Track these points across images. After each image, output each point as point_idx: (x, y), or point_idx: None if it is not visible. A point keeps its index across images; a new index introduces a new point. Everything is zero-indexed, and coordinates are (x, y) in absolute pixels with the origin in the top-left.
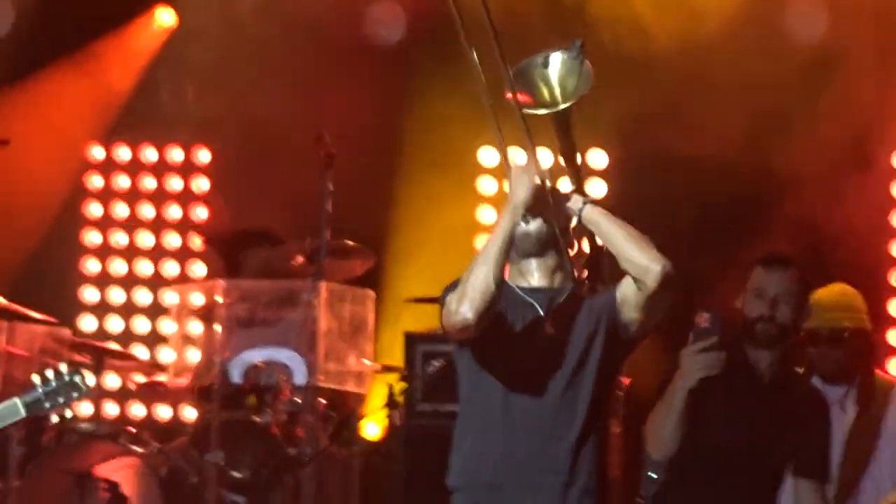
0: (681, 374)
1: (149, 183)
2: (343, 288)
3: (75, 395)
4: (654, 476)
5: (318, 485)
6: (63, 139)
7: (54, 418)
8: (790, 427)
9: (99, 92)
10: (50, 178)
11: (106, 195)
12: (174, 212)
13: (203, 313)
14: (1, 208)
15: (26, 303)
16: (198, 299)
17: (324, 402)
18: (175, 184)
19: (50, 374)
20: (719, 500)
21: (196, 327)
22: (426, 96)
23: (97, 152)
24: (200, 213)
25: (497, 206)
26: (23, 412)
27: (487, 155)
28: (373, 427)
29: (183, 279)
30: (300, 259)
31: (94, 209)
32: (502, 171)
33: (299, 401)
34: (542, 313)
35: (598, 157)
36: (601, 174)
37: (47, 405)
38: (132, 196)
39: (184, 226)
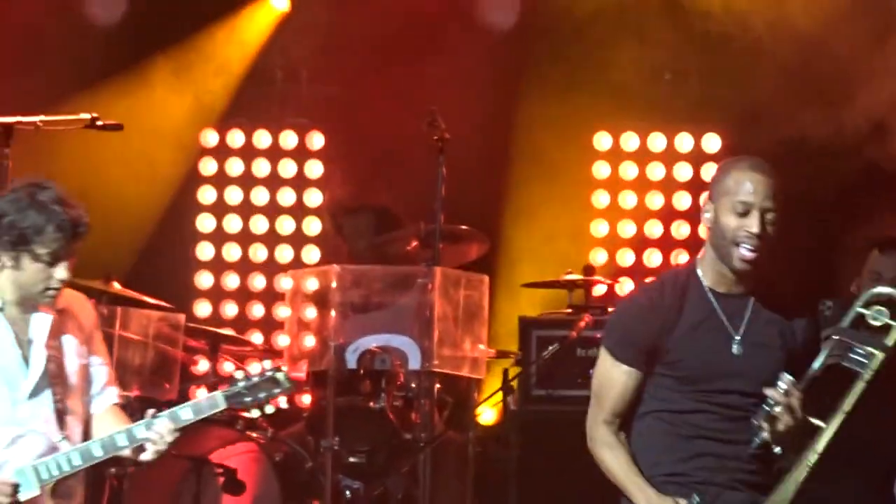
0: None
1: (263, 168)
2: (457, 273)
3: (276, 391)
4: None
5: (434, 470)
6: (177, 125)
7: (254, 413)
8: None
9: (213, 78)
10: (164, 164)
11: (220, 180)
12: (288, 196)
13: (317, 298)
14: (116, 194)
15: (141, 288)
16: (312, 284)
17: (439, 387)
18: (289, 168)
19: (252, 369)
20: (838, 496)
21: (310, 312)
22: (540, 81)
23: (211, 138)
24: (315, 197)
25: (611, 190)
26: (223, 405)
27: (603, 139)
28: (488, 412)
29: (297, 264)
30: (415, 244)
31: (209, 195)
32: (617, 155)
33: (414, 386)
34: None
35: (712, 141)
36: (713, 157)
37: (247, 399)
38: (246, 181)
39: (298, 210)
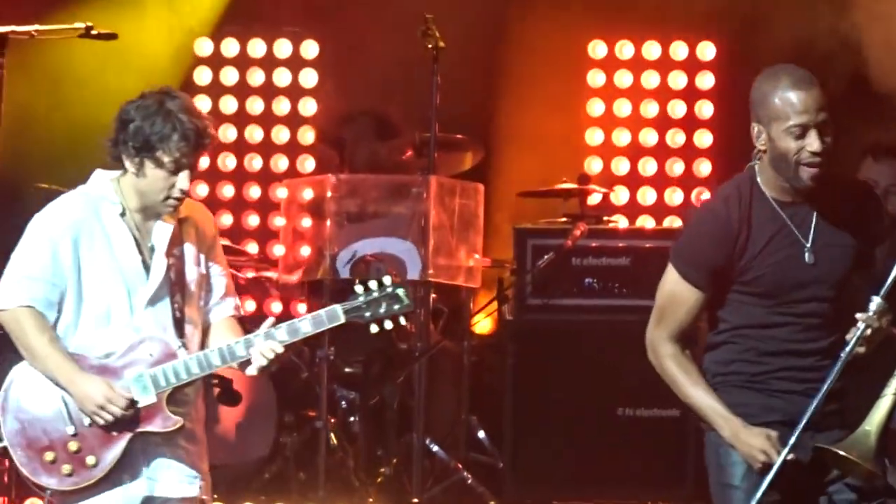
0: None
1: (258, 77)
2: (453, 182)
3: (396, 307)
4: None
5: (429, 379)
6: (172, 34)
7: (373, 328)
8: None
9: None
10: (159, 72)
11: (215, 89)
12: (283, 106)
13: (313, 208)
14: (111, 103)
15: None
16: (307, 194)
17: (434, 296)
18: (284, 77)
19: (373, 284)
20: None
21: (306, 222)
22: None
23: (206, 46)
24: (310, 106)
25: (606, 99)
26: (342, 319)
27: (598, 48)
28: (483, 321)
29: (293, 174)
30: (409, 152)
31: (203, 104)
32: (612, 63)
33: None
34: None
35: (707, 49)
36: (708, 66)
37: (367, 315)
38: (241, 90)
39: (293, 120)
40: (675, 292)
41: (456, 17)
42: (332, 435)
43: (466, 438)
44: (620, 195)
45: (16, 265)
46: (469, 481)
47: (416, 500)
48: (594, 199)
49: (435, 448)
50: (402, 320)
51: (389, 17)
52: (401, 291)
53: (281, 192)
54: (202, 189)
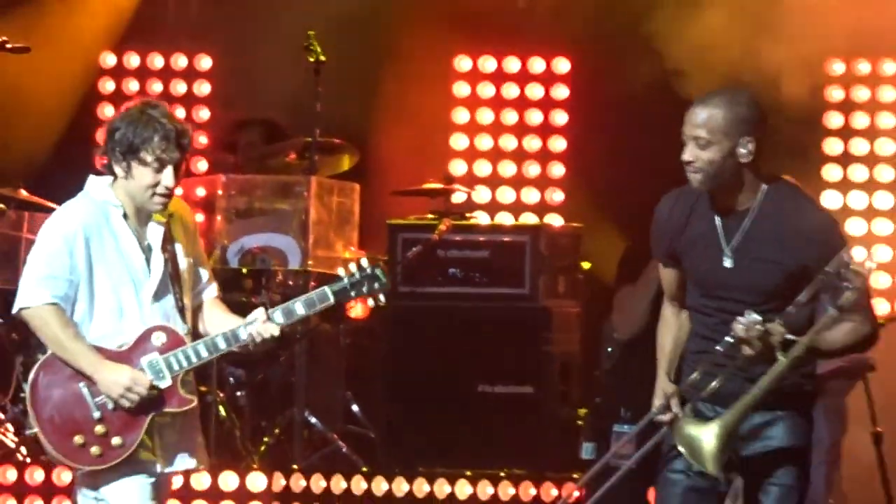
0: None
1: (156, 87)
2: (331, 182)
3: (376, 286)
4: (611, 350)
5: (310, 359)
6: (79, 48)
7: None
8: None
9: (110, 5)
10: (67, 83)
11: (118, 98)
12: (179, 113)
13: (205, 204)
14: (23, 110)
15: (45, 195)
16: (200, 192)
17: (313, 284)
18: (180, 88)
19: (353, 267)
20: None
21: (199, 217)
22: (407, 10)
23: (109, 59)
24: (203, 114)
25: (470, 107)
26: (332, 299)
27: (462, 62)
28: (357, 307)
29: (187, 174)
30: (293, 155)
31: (108, 111)
32: (475, 76)
33: (291, 283)
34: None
35: (561, 64)
36: (562, 78)
37: (352, 293)
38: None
39: (188, 125)
40: (659, 267)
41: (337, 34)
42: (222, 408)
43: (342, 412)
44: (482, 194)
45: (36, 265)
46: (344, 450)
47: (295, 466)
48: (458, 198)
49: (313, 420)
50: (382, 298)
51: (275, 33)
52: (379, 272)
53: (177, 191)
54: None
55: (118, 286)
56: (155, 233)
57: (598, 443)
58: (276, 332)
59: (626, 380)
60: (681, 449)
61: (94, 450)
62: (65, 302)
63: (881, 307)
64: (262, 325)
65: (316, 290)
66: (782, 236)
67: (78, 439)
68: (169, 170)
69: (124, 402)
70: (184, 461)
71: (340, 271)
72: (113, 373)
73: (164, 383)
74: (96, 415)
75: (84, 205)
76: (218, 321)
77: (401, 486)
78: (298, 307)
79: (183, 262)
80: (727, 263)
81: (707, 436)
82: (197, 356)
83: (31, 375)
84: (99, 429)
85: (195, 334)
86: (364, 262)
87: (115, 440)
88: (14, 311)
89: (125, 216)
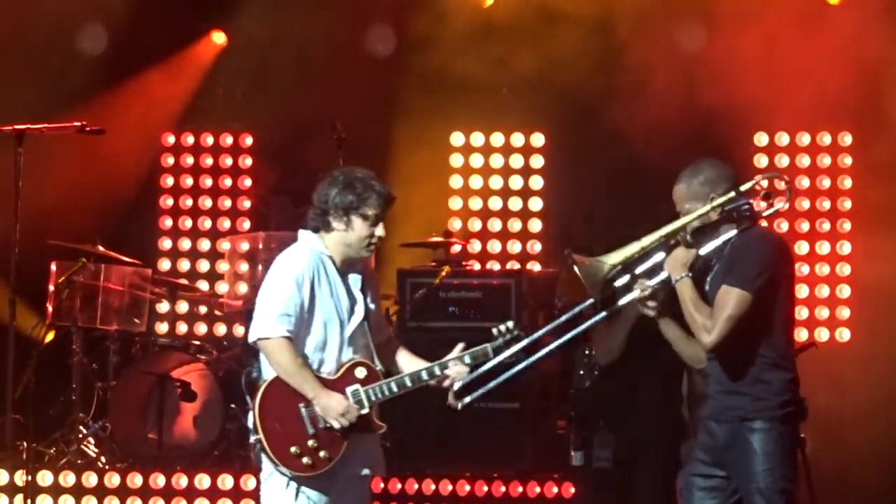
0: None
1: (207, 161)
2: None
3: (519, 345)
4: (582, 373)
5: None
6: (145, 129)
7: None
8: None
9: (171, 93)
10: (136, 158)
11: (176, 170)
12: (227, 181)
13: (248, 256)
14: (101, 179)
15: (119, 250)
16: (244, 246)
17: None
18: (227, 161)
19: (503, 328)
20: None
21: (244, 266)
22: (412, 93)
23: (170, 139)
24: (246, 182)
25: (464, 174)
26: (491, 355)
27: (457, 137)
28: None
29: (233, 231)
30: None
31: (168, 180)
32: (468, 148)
33: None
34: None
35: (538, 139)
36: (538, 150)
37: (505, 350)
38: (195, 170)
39: (234, 191)
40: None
41: (355, 116)
42: None
43: None
44: (475, 245)
45: (271, 303)
46: None
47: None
48: (455, 249)
49: None
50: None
51: (306, 116)
52: (522, 334)
53: (225, 245)
54: (167, 242)
55: (328, 323)
56: (355, 281)
57: (585, 451)
58: (465, 371)
59: (604, 397)
60: (578, 273)
61: (306, 460)
62: (294, 335)
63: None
64: (440, 371)
65: (478, 347)
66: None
67: (294, 449)
68: (382, 224)
69: (335, 424)
70: (363, 468)
71: (495, 331)
72: (331, 401)
73: (363, 410)
74: (311, 431)
75: (307, 252)
76: (404, 360)
77: (407, 486)
78: (468, 359)
79: (372, 308)
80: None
81: (601, 266)
82: (390, 391)
83: (260, 394)
84: (311, 443)
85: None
86: (511, 323)
87: (323, 453)
88: (251, 339)
89: (335, 264)
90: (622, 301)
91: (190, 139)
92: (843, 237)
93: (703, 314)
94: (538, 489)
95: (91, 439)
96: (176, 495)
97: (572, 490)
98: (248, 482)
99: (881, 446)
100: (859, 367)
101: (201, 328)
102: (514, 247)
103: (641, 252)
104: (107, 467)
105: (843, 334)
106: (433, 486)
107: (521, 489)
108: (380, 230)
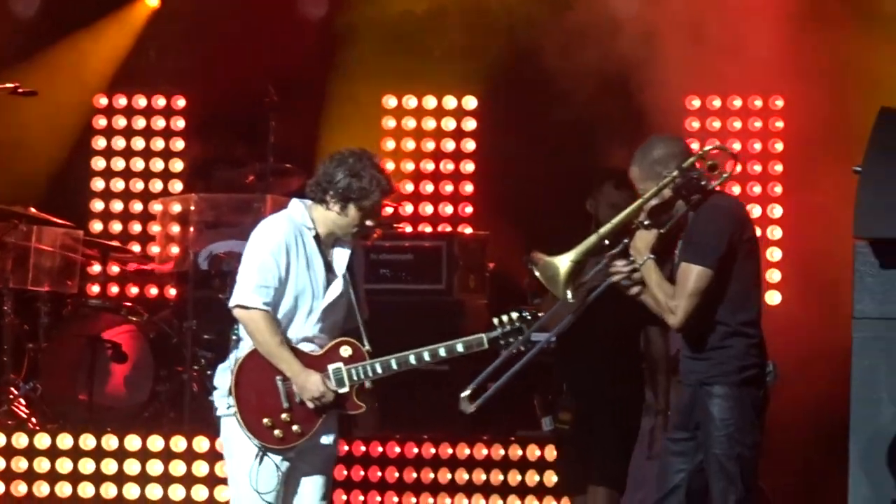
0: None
1: (140, 123)
2: (283, 199)
3: (521, 339)
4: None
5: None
6: (78, 91)
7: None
8: None
9: (104, 55)
10: (68, 120)
11: (109, 132)
12: (159, 143)
13: (180, 218)
14: (33, 141)
15: (51, 211)
16: (176, 208)
17: None
18: (160, 123)
19: (505, 318)
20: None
21: (175, 229)
22: (344, 56)
23: (102, 100)
24: (179, 144)
25: (396, 137)
26: (486, 345)
27: (389, 100)
28: None
29: (166, 193)
30: (252, 178)
31: (100, 142)
32: (400, 111)
33: None
34: None
35: (470, 101)
36: (470, 113)
37: (502, 342)
38: (128, 132)
39: (166, 154)
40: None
41: (288, 79)
42: (195, 384)
43: None
44: (407, 208)
45: (250, 273)
46: None
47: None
48: (387, 211)
49: None
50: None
51: (239, 79)
52: (524, 326)
53: (157, 207)
54: (99, 204)
55: (300, 296)
56: (341, 257)
57: (553, 415)
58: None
59: (567, 364)
60: (538, 276)
61: (277, 433)
62: (272, 307)
63: None
64: (428, 356)
65: (474, 335)
66: None
67: (267, 421)
68: (375, 215)
69: (311, 404)
70: (325, 439)
71: (496, 321)
72: (309, 379)
73: (343, 389)
74: (285, 405)
75: (285, 222)
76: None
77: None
78: (459, 346)
79: (360, 287)
80: None
81: (562, 264)
82: (373, 372)
83: (238, 364)
84: (285, 416)
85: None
86: (514, 314)
87: (296, 428)
88: (231, 304)
89: (316, 238)
90: (595, 293)
91: (122, 101)
92: (774, 200)
93: (665, 296)
94: (467, 451)
95: (22, 400)
96: (106, 456)
97: (501, 452)
98: (179, 443)
99: (806, 406)
100: (789, 329)
101: (133, 290)
102: (446, 209)
103: (601, 241)
104: (37, 428)
105: (774, 297)
106: (363, 448)
107: (450, 451)
108: (370, 222)
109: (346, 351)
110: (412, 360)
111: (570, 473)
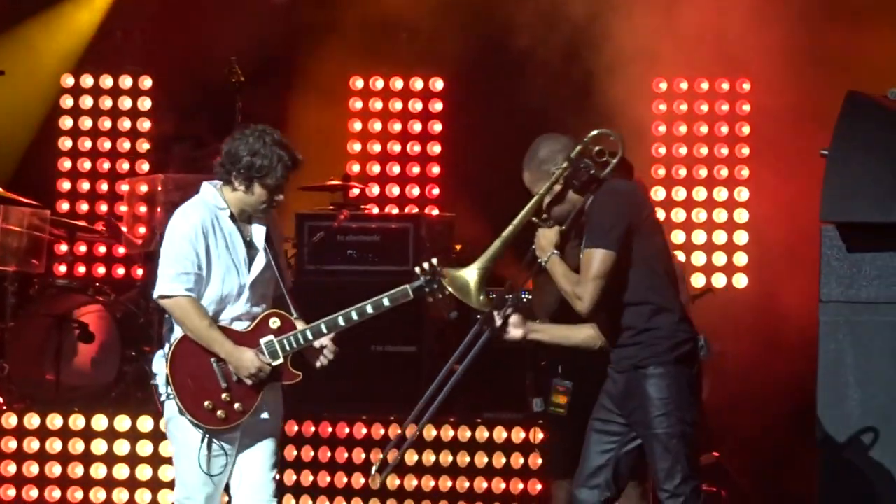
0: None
1: (107, 103)
2: None
3: (437, 286)
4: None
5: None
6: (44, 71)
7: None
8: None
9: (71, 35)
10: (35, 99)
11: (76, 112)
12: (126, 123)
13: (148, 198)
14: (0, 121)
15: (18, 191)
16: (143, 188)
17: None
18: (126, 103)
19: (426, 265)
20: None
21: (142, 209)
22: (313, 36)
23: (69, 80)
24: (146, 124)
25: (363, 118)
26: (411, 295)
27: (357, 82)
28: None
29: (133, 174)
30: (218, 158)
31: (67, 122)
32: (367, 93)
33: None
34: None
35: (437, 83)
36: (438, 94)
37: (426, 290)
38: (95, 112)
39: (133, 134)
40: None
41: (254, 59)
42: None
43: None
44: (374, 189)
45: (169, 262)
46: None
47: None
48: (354, 193)
49: None
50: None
51: (205, 58)
52: (443, 281)
53: (124, 187)
54: (66, 184)
55: (226, 275)
56: (258, 232)
57: (544, 397)
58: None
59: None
60: (451, 291)
61: (220, 413)
62: (196, 292)
63: (698, 281)
64: (355, 316)
65: (399, 288)
66: None
67: (208, 405)
68: (282, 191)
69: (248, 381)
70: (273, 417)
71: (417, 270)
72: (243, 357)
73: (278, 361)
74: (223, 385)
75: (198, 208)
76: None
77: (304, 428)
78: (385, 301)
79: (281, 258)
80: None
81: (470, 274)
82: (305, 339)
83: (170, 350)
84: (225, 396)
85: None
86: (434, 260)
87: (237, 406)
88: (154, 296)
89: (232, 217)
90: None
91: (89, 81)
92: (740, 183)
93: (571, 285)
94: (434, 432)
95: None
96: (73, 436)
97: (468, 434)
98: (146, 423)
99: (776, 387)
100: (755, 312)
101: (100, 270)
102: (413, 190)
103: (504, 246)
104: (4, 408)
105: (741, 280)
106: (330, 429)
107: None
108: (279, 196)
109: (274, 323)
110: (341, 321)
111: (561, 458)
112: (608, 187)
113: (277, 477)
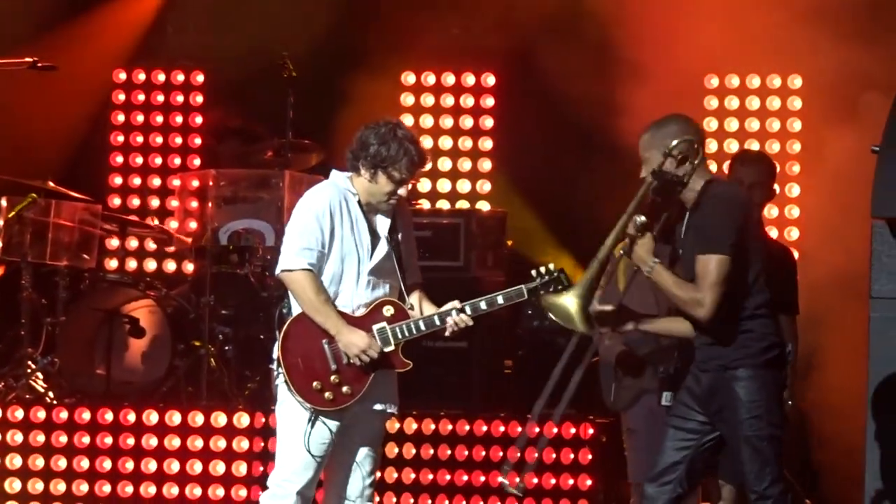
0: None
1: (159, 98)
2: (301, 175)
3: (560, 287)
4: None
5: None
6: (97, 66)
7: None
8: None
9: (123, 30)
10: (87, 94)
11: (128, 107)
12: (178, 118)
13: (199, 193)
14: (52, 115)
15: (69, 186)
16: (195, 183)
17: None
18: (178, 98)
19: (543, 269)
20: None
21: (193, 204)
22: (364, 33)
23: (121, 75)
24: (197, 119)
25: (415, 115)
26: (525, 296)
27: (409, 77)
28: None
29: (184, 168)
30: (270, 153)
31: (119, 117)
32: (419, 88)
33: (269, 258)
34: None
35: (489, 78)
36: (489, 90)
37: (542, 292)
38: (147, 107)
39: (185, 129)
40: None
41: (307, 55)
42: (212, 359)
43: None
44: (424, 185)
45: (293, 238)
46: None
47: (274, 407)
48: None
49: None
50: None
51: (257, 53)
52: (562, 276)
53: (176, 182)
54: (117, 179)
55: (346, 257)
56: (383, 222)
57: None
58: (470, 322)
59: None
60: (553, 318)
61: (328, 395)
62: (317, 269)
63: None
64: (469, 310)
65: (514, 287)
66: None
67: (316, 385)
68: (406, 185)
69: (357, 361)
70: (388, 407)
71: (534, 272)
72: (354, 337)
73: (389, 348)
74: (333, 367)
75: (329, 189)
76: (415, 304)
77: None
78: (500, 299)
79: (405, 251)
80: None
81: (569, 301)
82: (417, 329)
83: (284, 331)
84: (334, 378)
85: None
86: (552, 266)
87: (346, 389)
88: (277, 272)
89: (359, 203)
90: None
91: (141, 76)
92: (792, 179)
93: (687, 292)
94: (485, 427)
95: (39, 374)
96: (124, 431)
97: (518, 429)
98: (196, 418)
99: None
100: (806, 308)
101: (151, 264)
102: (464, 186)
103: (602, 266)
104: (55, 402)
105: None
106: (397, 425)
107: (467, 427)
108: (402, 190)
109: (388, 311)
110: (454, 313)
111: (641, 461)
112: (716, 192)
113: (378, 475)
